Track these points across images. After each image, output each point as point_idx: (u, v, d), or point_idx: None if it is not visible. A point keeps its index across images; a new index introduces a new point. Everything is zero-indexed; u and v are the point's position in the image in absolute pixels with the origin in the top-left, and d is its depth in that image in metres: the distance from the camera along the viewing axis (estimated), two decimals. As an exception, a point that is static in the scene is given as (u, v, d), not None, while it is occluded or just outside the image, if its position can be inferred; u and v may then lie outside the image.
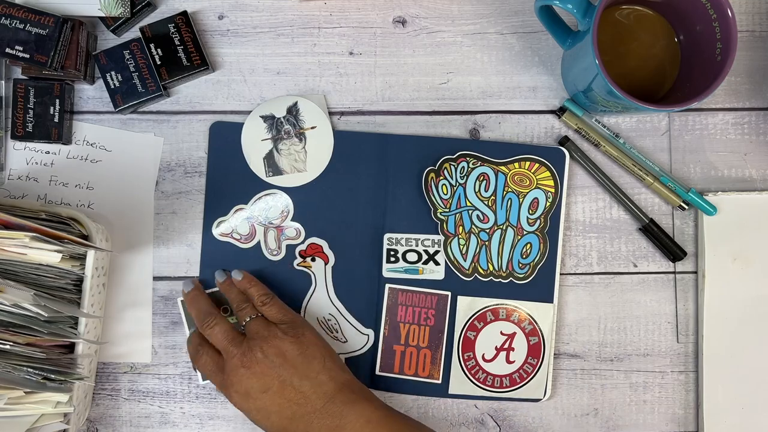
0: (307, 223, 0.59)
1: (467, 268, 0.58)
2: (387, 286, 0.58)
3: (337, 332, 0.58)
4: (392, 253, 0.58)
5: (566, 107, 0.59)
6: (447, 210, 0.58)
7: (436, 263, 0.58)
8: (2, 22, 0.53)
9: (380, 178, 0.58)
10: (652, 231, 0.59)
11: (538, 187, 0.59)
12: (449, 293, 0.58)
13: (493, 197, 0.59)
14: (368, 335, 0.59)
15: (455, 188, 0.58)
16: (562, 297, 0.60)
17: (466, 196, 0.58)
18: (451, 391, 0.58)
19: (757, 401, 0.58)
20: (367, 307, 0.59)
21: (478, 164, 0.59)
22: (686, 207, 0.59)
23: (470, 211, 0.59)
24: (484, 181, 0.59)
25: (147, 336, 0.59)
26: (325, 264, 0.59)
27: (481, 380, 0.58)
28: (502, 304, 0.59)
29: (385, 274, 0.58)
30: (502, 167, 0.59)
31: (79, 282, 0.53)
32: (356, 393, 0.51)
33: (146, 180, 0.59)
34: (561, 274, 0.59)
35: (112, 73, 0.57)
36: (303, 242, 0.59)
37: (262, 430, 0.52)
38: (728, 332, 0.58)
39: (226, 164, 0.59)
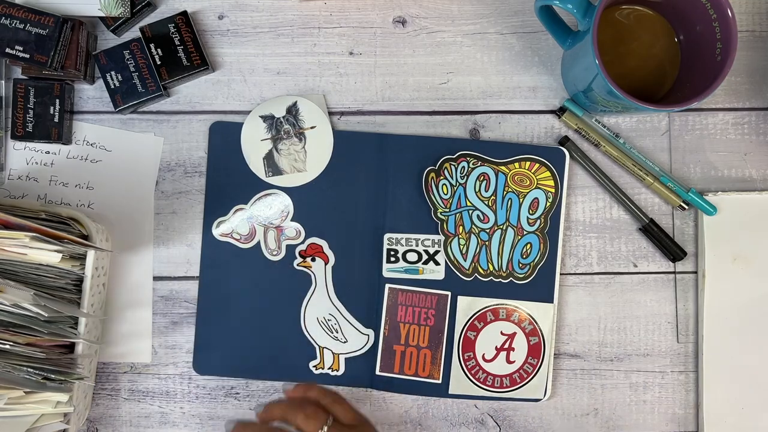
0: (307, 223, 0.59)
1: (467, 268, 0.58)
2: (387, 286, 0.58)
3: (337, 332, 0.58)
4: (392, 253, 0.58)
5: (566, 107, 0.59)
6: (447, 210, 0.58)
7: (436, 263, 0.58)
8: (2, 22, 0.53)
9: (380, 178, 0.58)
10: (652, 231, 0.59)
11: (539, 187, 0.59)
12: (449, 293, 0.58)
13: (493, 197, 0.59)
14: (368, 335, 0.59)
15: (455, 188, 0.58)
16: (562, 297, 0.60)
17: (466, 196, 0.59)
18: (451, 391, 0.58)
19: (757, 401, 0.58)
20: (367, 307, 0.59)
21: (479, 164, 0.59)
22: (686, 207, 0.59)
23: (470, 211, 0.59)
24: (485, 181, 0.59)
25: (147, 336, 0.59)
26: (325, 264, 0.59)
27: (481, 380, 0.58)
28: (502, 304, 0.59)
29: (385, 274, 0.58)
30: (503, 167, 0.59)
31: (79, 282, 0.53)
32: None
33: (146, 180, 0.59)
34: (561, 274, 0.59)
35: (112, 73, 0.57)
36: (303, 242, 0.59)
37: None
38: (728, 332, 0.58)
39: (226, 164, 0.59)
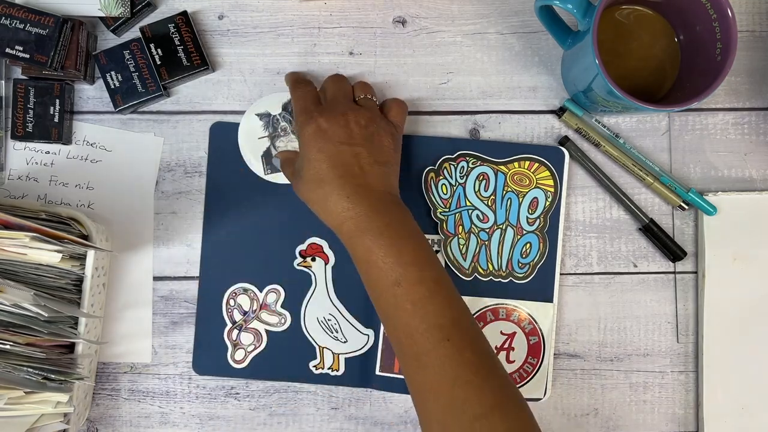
0: (307, 222, 0.58)
1: (467, 267, 0.58)
2: (387, 286, 0.58)
3: (337, 332, 0.58)
4: (392, 253, 0.58)
5: (566, 107, 0.59)
6: (446, 210, 0.58)
7: (436, 263, 0.58)
8: (2, 22, 0.53)
9: (380, 178, 0.58)
10: (652, 231, 0.59)
11: (538, 187, 0.59)
12: (449, 293, 0.58)
13: (492, 197, 0.59)
14: (368, 335, 0.59)
15: (455, 188, 0.58)
16: (562, 297, 0.60)
17: (465, 196, 0.58)
18: (451, 391, 0.58)
19: (757, 401, 0.58)
20: (367, 307, 0.58)
21: (478, 164, 0.59)
22: (686, 207, 0.59)
23: (470, 211, 0.59)
24: (484, 181, 0.59)
25: (147, 336, 0.59)
26: (325, 264, 0.59)
27: (481, 380, 0.58)
28: (502, 304, 0.59)
29: (385, 274, 0.58)
30: (502, 167, 0.59)
31: (79, 282, 0.53)
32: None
33: (146, 180, 0.59)
34: (561, 274, 0.59)
35: (112, 73, 0.57)
36: (303, 242, 0.59)
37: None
38: (728, 332, 0.58)
39: (226, 164, 0.59)
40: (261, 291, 0.58)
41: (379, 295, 0.48)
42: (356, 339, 0.58)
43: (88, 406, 0.57)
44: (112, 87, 0.57)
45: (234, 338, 0.58)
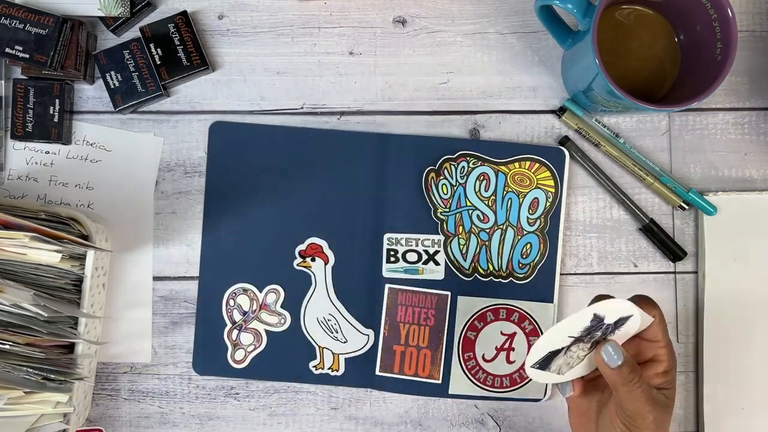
0: (306, 222, 0.58)
1: (467, 268, 0.58)
2: (387, 286, 0.58)
3: (337, 332, 0.58)
4: (392, 253, 0.58)
5: (566, 107, 0.59)
6: (447, 210, 0.58)
7: (436, 263, 0.58)
8: (2, 22, 0.53)
9: (380, 178, 0.58)
10: (652, 231, 0.59)
11: (538, 187, 0.59)
12: (449, 293, 0.58)
13: (493, 197, 0.59)
14: (368, 335, 0.59)
15: (455, 188, 0.58)
16: (563, 297, 0.59)
17: (466, 196, 0.58)
18: (451, 391, 0.58)
19: (757, 401, 0.58)
20: (367, 307, 0.59)
21: (479, 164, 0.59)
22: (686, 207, 0.59)
23: (470, 211, 0.59)
24: (484, 181, 0.59)
25: (147, 336, 0.59)
26: (325, 264, 0.59)
27: (481, 380, 0.58)
28: (502, 304, 0.59)
29: (385, 274, 0.58)
30: (503, 167, 0.59)
31: (79, 282, 0.53)
32: None
33: (146, 180, 0.59)
34: (561, 274, 0.59)
35: (112, 73, 0.57)
36: (303, 242, 0.59)
37: None
38: (728, 332, 0.58)
39: (226, 164, 0.59)
40: (261, 291, 0.58)
41: None
42: (356, 339, 0.58)
43: (87, 406, 0.57)
44: (112, 87, 0.57)
45: (234, 338, 0.58)
